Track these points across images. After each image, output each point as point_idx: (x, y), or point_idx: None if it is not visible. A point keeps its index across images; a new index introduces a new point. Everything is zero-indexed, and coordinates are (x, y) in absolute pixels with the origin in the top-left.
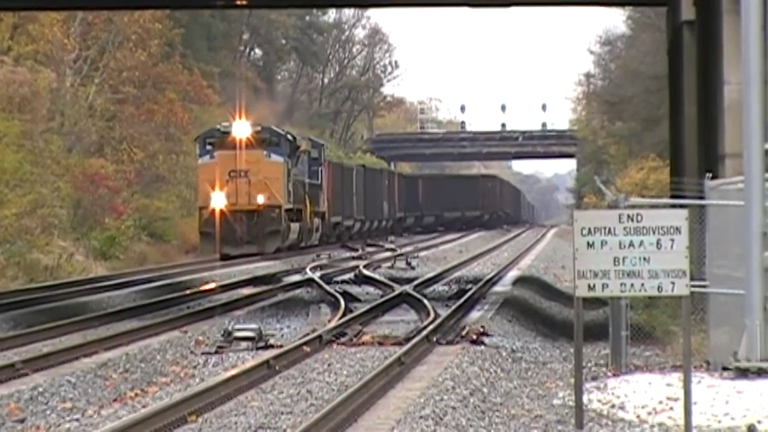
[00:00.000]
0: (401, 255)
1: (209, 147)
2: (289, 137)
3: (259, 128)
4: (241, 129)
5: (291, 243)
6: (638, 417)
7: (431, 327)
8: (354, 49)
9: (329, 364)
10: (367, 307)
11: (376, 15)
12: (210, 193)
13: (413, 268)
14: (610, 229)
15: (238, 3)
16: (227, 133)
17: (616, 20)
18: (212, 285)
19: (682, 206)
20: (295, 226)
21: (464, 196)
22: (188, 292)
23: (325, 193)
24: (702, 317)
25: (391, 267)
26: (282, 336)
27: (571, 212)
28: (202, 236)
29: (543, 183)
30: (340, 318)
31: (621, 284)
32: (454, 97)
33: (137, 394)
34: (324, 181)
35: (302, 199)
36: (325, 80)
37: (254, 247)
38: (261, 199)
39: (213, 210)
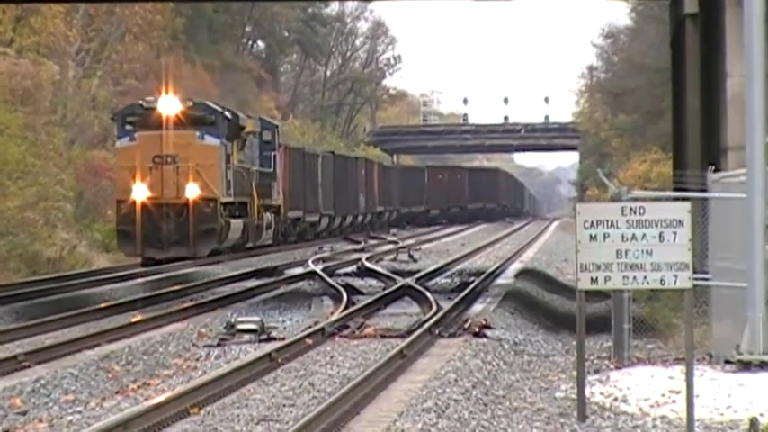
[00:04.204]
0: (403, 247)
1: (128, 126)
2: (227, 114)
3: (191, 103)
4: (168, 105)
5: (233, 243)
6: (640, 409)
7: (433, 319)
8: (357, 42)
9: (331, 357)
10: (369, 299)
11: (379, 8)
12: (130, 184)
13: (415, 261)
14: (612, 221)
15: None
16: (152, 110)
17: (619, 12)
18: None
19: (684, 199)
20: (237, 223)
21: (467, 188)
22: (191, 284)
23: (279, 184)
24: (705, 310)
25: (394, 260)
26: (285, 328)
27: (573, 205)
28: (120, 235)
29: (546, 176)
30: (342, 310)
31: (624, 277)
32: (457, 90)
33: (139, 387)
34: (278, 169)
35: (248, 191)
36: (328, 73)
37: (184, 249)
38: (192, 191)
39: (134, 203)
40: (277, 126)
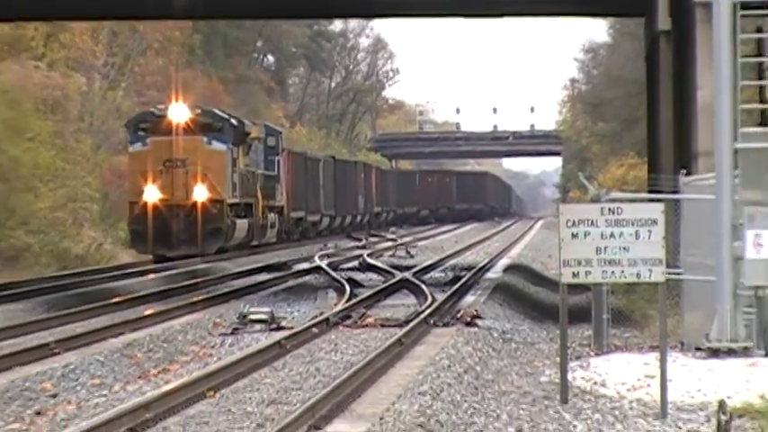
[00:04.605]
0: (401, 244)
1: (141, 132)
2: (233, 121)
3: (199, 111)
4: (178, 112)
5: (239, 242)
6: (618, 393)
7: (428, 310)
8: (359, 56)
9: (335, 345)
10: (370, 292)
11: (379, 25)
12: (142, 186)
13: (412, 257)
14: (592, 221)
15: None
16: (163, 117)
17: (598, 29)
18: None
19: (658, 200)
20: (242, 223)
21: (455, 190)
22: (207, 278)
23: (283, 186)
24: (677, 301)
25: (392, 256)
26: (293, 318)
27: (557, 206)
28: (133, 234)
29: (531, 179)
30: (345, 302)
31: (603, 272)
32: (450, 100)
33: (159, 372)
34: (282, 172)
35: (253, 192)
36: (332, 84)
37: (193, 247)
38: (200, 193)
39: (145, 205)
40: (280, 132)
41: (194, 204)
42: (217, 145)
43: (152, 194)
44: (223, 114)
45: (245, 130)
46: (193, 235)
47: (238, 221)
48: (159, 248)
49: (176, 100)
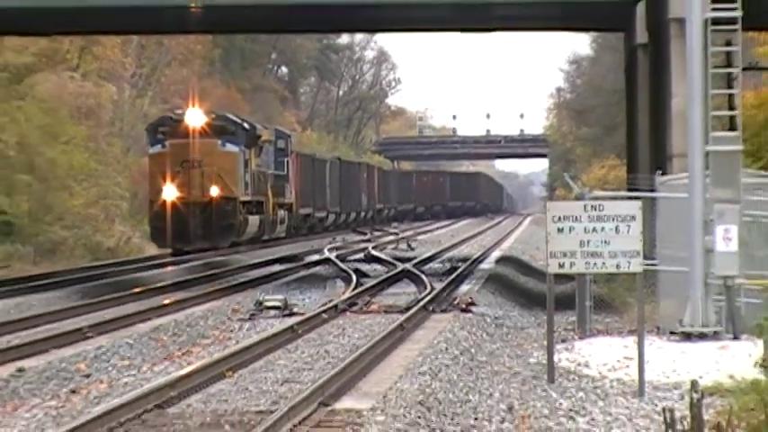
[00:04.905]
0: (403, 238)
1: (160, 135)
2: (246, 125)
3: (213, 116)
4: (194, 117)
5: (251, 236)
6: (599, 373)
7: (427, 298)
8: (364, 67)
9: (343, 329)
10: (374, 281)
11: (382, 39)
12: (161, 185)
13: (413, 249)
14: (577, 217)
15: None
16: (180, 121)
17: (582, 43)
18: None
19: (636, 198)
20: (254, 219)
21: (448, 189)
22: (225, 269)
23: (292, 185)
24: (653, 290)
25: (395, 249)
26: (304, 305)
27: (544, 203)
28: (153, 230)
29: (521, 178)
30: (352, 290)
31: (586, 263)
32: (447, 107)
33: (183, 354)
34: (291, 172)
35: (264, 190)
36: (340, 93)
37: (208, 241)
38: (214, 191)
39: (164, 202)
40: (290, 135)
41: (209, 202)
42: (230, 147)
43: (170, 193)
44: (236, 119)
45: (256, 133)
46: (208, 230)
47: (250, 218)
48: (177, 242)
49: (193, 105)
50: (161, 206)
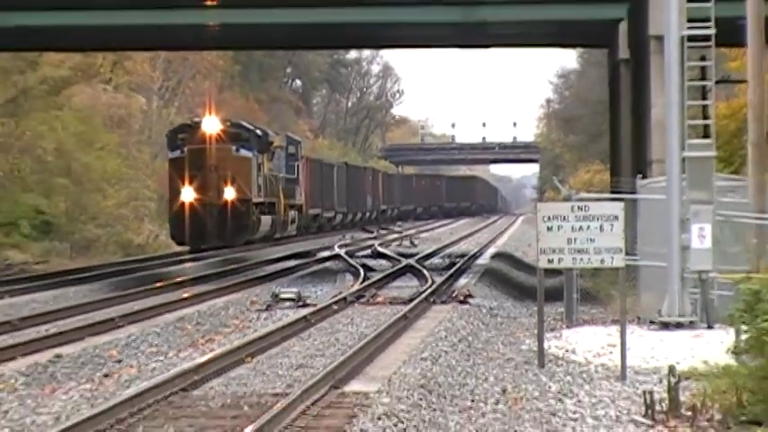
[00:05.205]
0: (406, 236)
1: (179, 141)
2: (258, 132)
3: (228, 123)
4: (210, 124)
5: (264, 235)
6: (585, 359)
7: (429, 290)
8: (371, 80)
9: (352, 319)
10: (380, 275)
11: (387, 54)
12: (180, 188)
13: (415, 246)
14: (564, 216)
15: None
16: (197, 128)
17: (569, 58)
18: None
19: (619, 199)
20: (266, 219)
21: (444, 191)
22: (244, 264)
23: (302, 187)
24: (634, 283)
25: (399, 245)
26: (316, 297)
27: (535, 204)
28: (172, 229)
29: (514, 182)
30: (360, 283)
31: (573, 258)
32: (446, 116)
33: (206, 341)
34: (301, 175)
35: (275, 192)
36: (349, 103)
37: (223, 239)
38: (229, 193)
39: (182, 203)
40: (300, 142)
41: (225, 203)
42: (244, 152)
43: (188, 195)
44: (249, 126)
45: (268, 139)
46: (224, 229)
47: (263, 217)
48: (194, 240)
49: (209, 114)
50: (180, 207)
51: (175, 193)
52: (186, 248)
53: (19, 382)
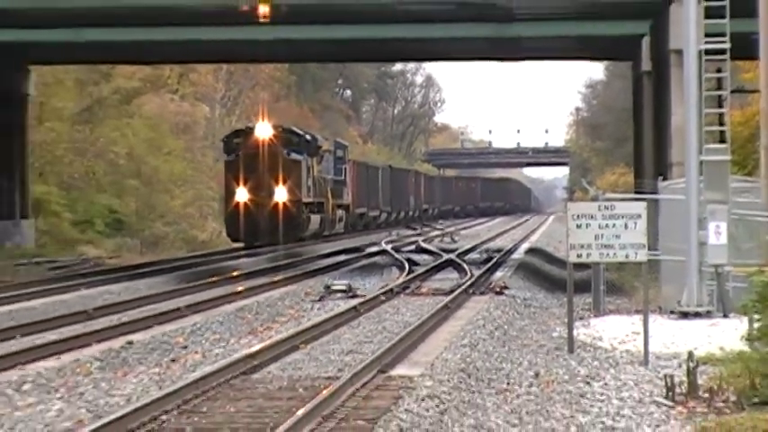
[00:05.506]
0: (447, 233)
1: (234, 146)
2: (308, 137)
3: (280, 128)
4: (263, 129)
5: (313, 232)
6: (611, 345)
7: (468, 283)
8: (415, 90)
9: (398, 309)
10: (424, 269)
11: (430, 67)
12: (235, 188)
13: (455, 242)
14: (592, 215)
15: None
16: (251, 134)
17: (597, 70)
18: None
19: (642, 199)
20: (316, 217)
21: (479, 192)
22: (298, 259)
23: (349, 188)
24: (656, 276)
25: (441, 241)
26: (365, 288)
27: (565, 204)
28: (228, 227)
29: (546, 183)
30: (405, 276)
31: (600, 253)
32: (484, 123)
33: (264, 329)
34: (348, 177)
35: (324, 193)
36: (395, 111)
37: (275, 236)
38: (281, 194)
39: (237, 203)
40: (347, 146)
41: (276, 203)
42: (294, 155)
43: (243, 195)
44: (299, 131)
45: (317, 144)
46: (276, 227)
47: (312, 216)
48: (248, 238)
49: (262, 120)
50: (234, 206)
51: (230, 193)
52: (242, 245)
53: (94, 367)
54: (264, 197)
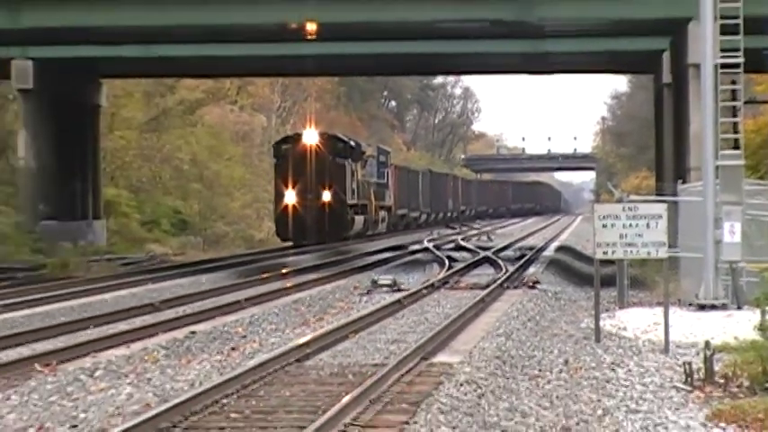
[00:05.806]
0: (484, 232)
1: (283, 151)
2: (352, 143)
3: (326, 135)
4: (310, 136)
5: (357, 232)
6: (634, 335)
7: (503, 278)
8: (454, 101)
9: (438, 301)
10: (462, 265)
11: (468, 79)
12: (284, 191)
13: (491, 240)
14: (617, 215)
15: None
16: (299, 140)
17: (621, 82)
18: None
19: (663, 201)
20: (359, 218)
21: (511, 195)
22: (347, 255)
23: (391, 191)
24: (676, 271)
25: (478, 240)
26: (409, 283)
27: (592, 205)
28: (278, 227)
29: (574, 186)
30: (445, 272)
31: (624, 251)
32: (517, 131)
33: (317, 320)
34: (390, 181)
35: (367, 195)
36: (436, 120)
37: (322, 236)
38: (327, 196)
39: (286, 205)
40: (389, 152)
41: (323, 204)
42: (340, 160)
43: (291, 197)
44: (344, 138)
45: (361, 150)
46: (322, 227)
47: (356, 217)
48: (297, 237)
49: (310, 127)
50: (284, 208)
51: (280, 196)
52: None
53: (160, 354)
54: (312, 199)
